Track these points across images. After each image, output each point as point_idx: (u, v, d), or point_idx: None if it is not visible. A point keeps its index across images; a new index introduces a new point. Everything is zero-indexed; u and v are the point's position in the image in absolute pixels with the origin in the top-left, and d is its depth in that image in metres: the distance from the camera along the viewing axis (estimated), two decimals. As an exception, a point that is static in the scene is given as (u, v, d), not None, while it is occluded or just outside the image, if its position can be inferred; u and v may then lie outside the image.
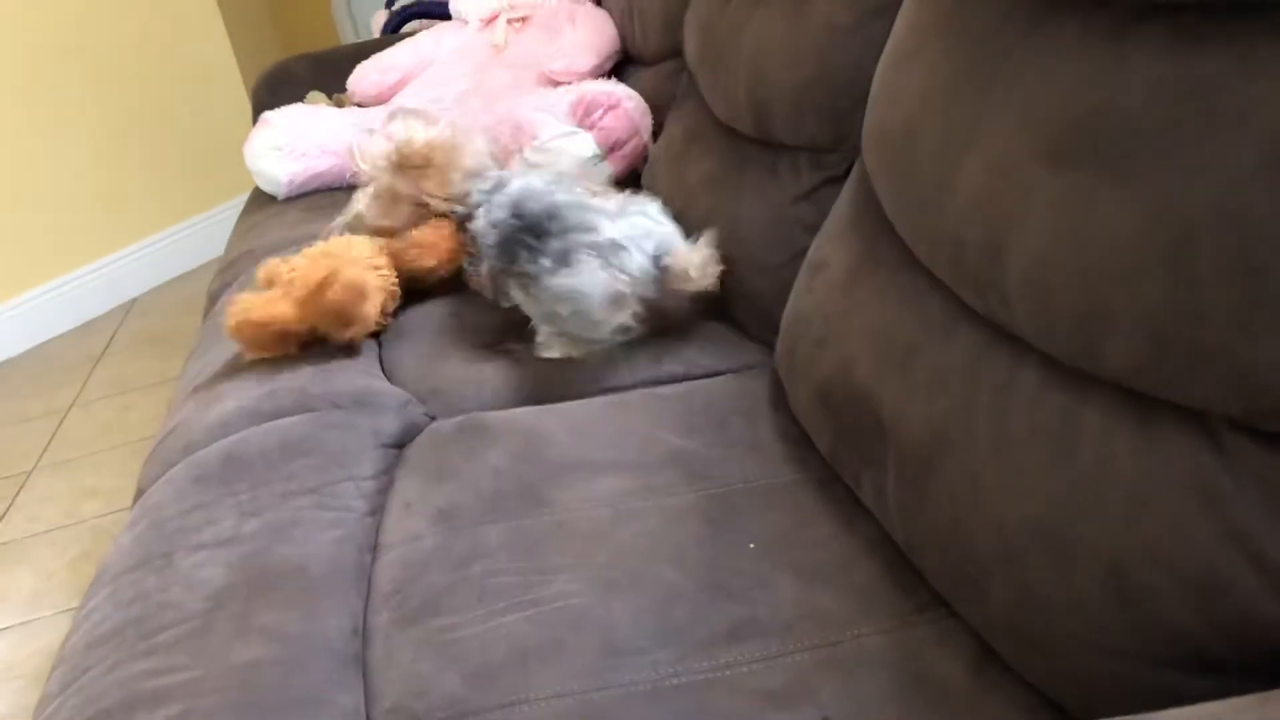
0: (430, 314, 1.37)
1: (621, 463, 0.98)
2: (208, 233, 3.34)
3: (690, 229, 1.33)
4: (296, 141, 1.85)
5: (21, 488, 2.27)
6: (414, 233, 1.41)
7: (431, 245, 1.39)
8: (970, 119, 0.80)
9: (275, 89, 2.24)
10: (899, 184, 0.89)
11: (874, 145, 0.94)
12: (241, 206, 3.27)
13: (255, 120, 2.06)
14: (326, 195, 1.88)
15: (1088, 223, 0.67)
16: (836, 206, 1.05)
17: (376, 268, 1.31)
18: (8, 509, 2.19)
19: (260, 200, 1.95)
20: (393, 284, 1.34)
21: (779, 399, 1.05)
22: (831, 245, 1.01)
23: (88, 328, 3.08)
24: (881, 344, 0.87)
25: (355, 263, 1.27)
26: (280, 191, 1.90)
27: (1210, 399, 0.59)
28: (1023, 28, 0.78)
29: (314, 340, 1.25)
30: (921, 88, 0.87)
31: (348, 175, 1.89)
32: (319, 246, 1.34)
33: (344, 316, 1.22)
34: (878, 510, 0.85)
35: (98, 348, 2.91)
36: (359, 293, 1.21)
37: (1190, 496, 0.60)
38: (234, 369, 1.25)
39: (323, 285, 1.19)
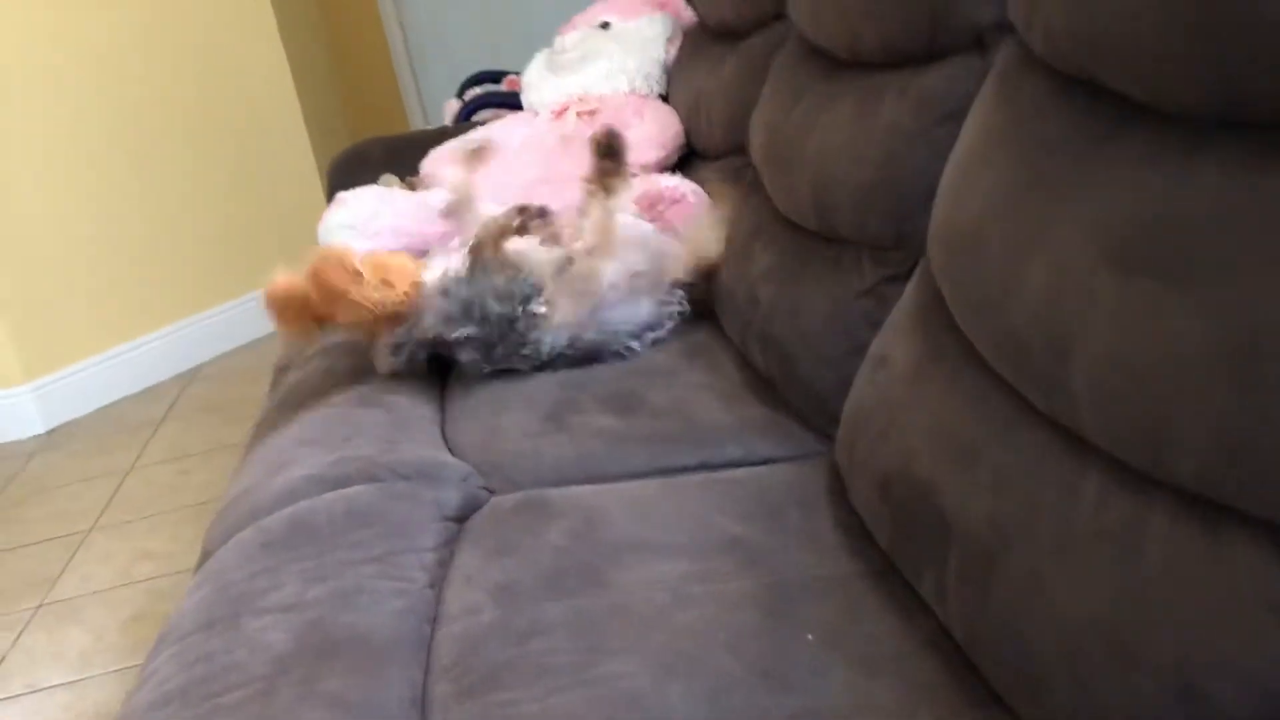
0: (489, 385, 1.40)
1: (679, 546, 0.99)
2: (273, 305, 3.41)
3: (753, 320, 1.36)
4: (369, 221, 1.91)
5: (79, 546, 2.31)
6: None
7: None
8: (1037, 223, 0.82)
9: (350, 170, 2.32)
10: (964, 283, 0.91)
11: (940, 245, 0.96)
12: (307, 281, 3.38)
13: (329, 198, 2.13)
14: (394, 274, 1.93)
15: (1153, 329, 0.68)
16: (901, 303, 1.07)
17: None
18: (65, 568, 2.23)
19: (330, 277, 2.01)
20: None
21: (837, 490, 1.06)
22: (895, 340, 1.03)
23: (151, 392, 3.15)
24: (944, 439, 0.88)
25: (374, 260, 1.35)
26: (350, 269, 1.95)
27: (1280, 509, 0.60)
28: (1093, 139, 0.81)
29: (326, 317, 1.33)
30: (989, 191, 0.90)
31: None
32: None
33: (329, 289, 1.30)
34: (937, 605, 0.86)
35: (159, 412, 2.98)
36: (342, 268, 1.30)
37: (1259, 606, 0.60)
38: (302, 439, 1.28)
39: (319, 259, 1.30)
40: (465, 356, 1.35)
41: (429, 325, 1.31)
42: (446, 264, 1.32)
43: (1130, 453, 0.70)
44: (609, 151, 1.24)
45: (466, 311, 1.29)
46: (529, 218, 1.26)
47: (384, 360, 1.32)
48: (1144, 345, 0.69)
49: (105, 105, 3.02)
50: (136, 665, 1.84)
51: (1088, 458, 0.75)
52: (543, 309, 1.34)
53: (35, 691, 1.83)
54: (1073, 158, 0.82)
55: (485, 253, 1.27)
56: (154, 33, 3.08)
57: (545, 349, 1.34)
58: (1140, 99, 0.76)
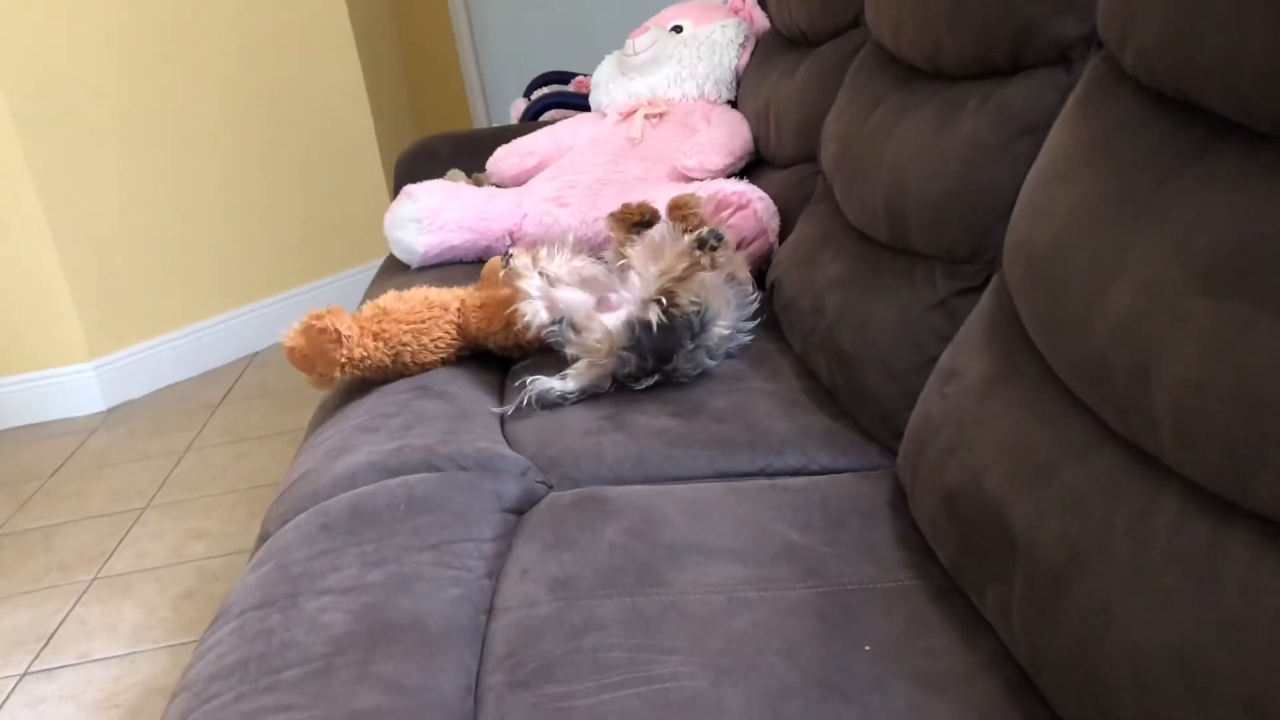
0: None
1: (737, 551, 0.99)
2: (333, 294, 3.47)
3: (818, 329, 1.35)
4: (435, 216, 1.93)
5: (134, 523, 2.35)
6: (489, 294, 1.50)
7: (495, 311, 1.48)
8: (1122, 242, 0.80)
9: (418, 164, 2.34)
10: (1042, 301, 0.89)
11: (1018, 261, 0.95)
12: (367, 273, 3.42)
13: (396, 191, 2.16)
14: (458, 267, 1.95)
15: (1244, 353, 0.67)
16: (972, 317, 1.06)
17: (378, 325, 1.44)
18: (119, 543, 2.27)
19: (394, 268, 2.03)
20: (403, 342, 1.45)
21: (899, 503, 1.05)
22: (966, 354, 1.02)
23: (210, 376, 3.21)
24: (1016, 457, 0.87)
25: (347, 316, 1.43)
26: (414, 261, 1.97)
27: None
28: (1182, 157, 0.79)
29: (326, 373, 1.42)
30: (1072, 208, 0.88)
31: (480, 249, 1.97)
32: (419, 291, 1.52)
33: (315, 349, 1.40)
34: (1000, 626, 0.84)
35: (217, 396, 3.03)
36: (325, 330, 1.39)
37: (1345, 638, 0.58)
38: (362, 426, 1.29)
39: (309, 325, 1.40)
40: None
41: (610, 372, 1.33)
42: (619, 317, 1.32)
43: (1211, 477, 0.69)
44: (706, 246, 1.26)
45: (660, 357, 1.31)
46: (709, 248, 1.25)
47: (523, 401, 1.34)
48: (1232, 368, 0.67)
49: (181, 92, 3.08)
50: (186, 642, 1.87)
51: (1166, 481, 0.73)
52: (726, 330, 1.36)
53: (88, 662, 1.86)
54: (1161, 175, 0.80)
55: (680, 300, 1.27)
56: (233, 25, 3.15)
57: (705, 364, 1.35)
58: (1234, 117, 0.75)
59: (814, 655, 0.84)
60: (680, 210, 1.52)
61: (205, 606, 1.99)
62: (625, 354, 1.29)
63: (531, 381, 1.32)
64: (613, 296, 1.35)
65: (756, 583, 0.93)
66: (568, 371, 1.33)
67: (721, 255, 1.25)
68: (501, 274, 1.37)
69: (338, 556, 0.98)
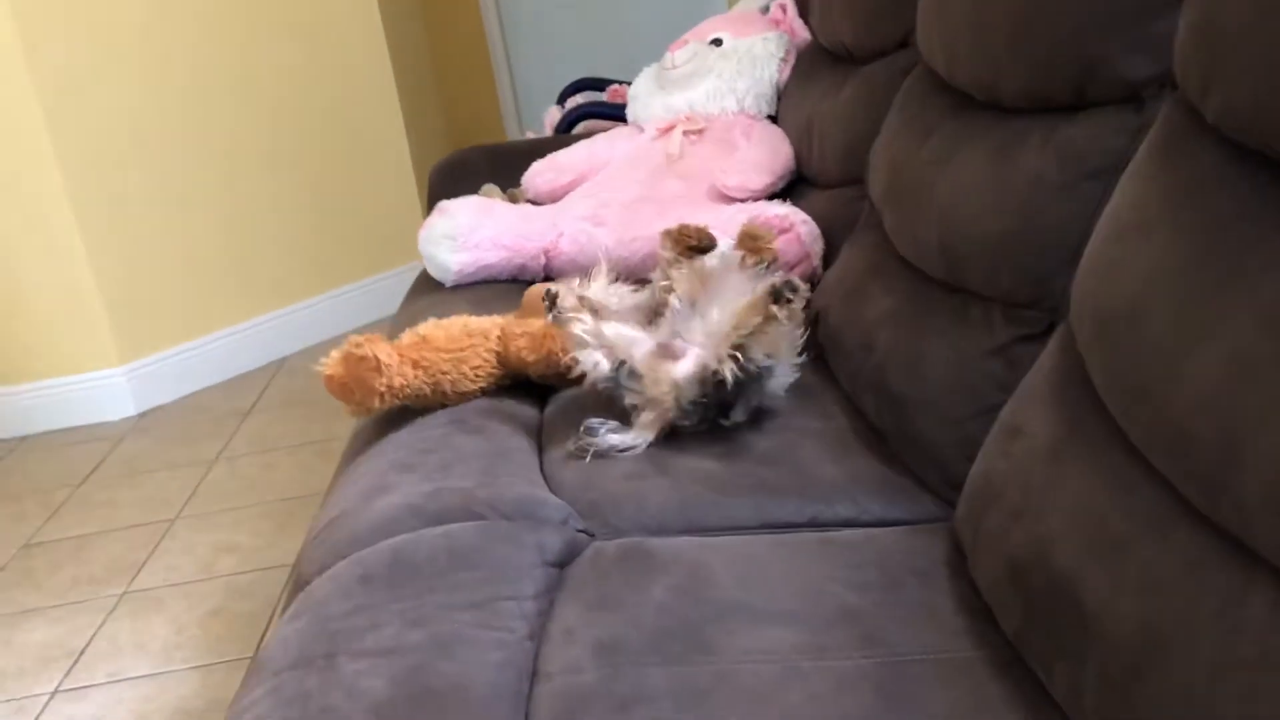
0: (580, 418, 1.36)
1: (789, 613, 0.95)
2: (363, 299, 3.46)
3: (866, 367, 1.31)
4: (470, 233, 1.89)
5: (164, 535, 2.34)
6: (529, 322, 1.46)
7: (538, 340, 1.44)
8: (1208, 308, 0.76)
9: (452, 177, 2.31)
10: (1117, 364, 0.85)
11: (1088, 319, 0.91)
12: (397, 278, 3.40)
13: (430, 206, 2.13)
14: (492, 286, 1.92)
15: (1347, 439, 0.62)
16: (1036, 370, 1.01)
17: (418, 353, 1.41)
18: (149, 556, 2.26)
19: (426, 285, 2.00)
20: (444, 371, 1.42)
21: (958, 563, 1.01)
22: (1030, 411, 0.98)
23: (239, 381, 3.20)
24: (1087, 529, 0.82)
25: (385, 345, 1.40)
26: (448, 279, 1.94)
27: None
28: (1271, 221, 0.74)
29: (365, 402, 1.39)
30: (1149, 268, 0.84)
31: (519, 268, 1.94)
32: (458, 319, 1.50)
33: (355, 379, 1.37)
34: (1069, 707, 0.80)
35: (246, 403, 3.02)
36: (365, 359, 1.36)
37: None
38: (398, 462, 1.26)
39: (349, 353, 1.37)
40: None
41: (670, 422, 1.28)
42: (687, 368, 1.27)
43: (1310, 573, 0.64)
44: (781, 300, 1.20)
45: (722, 409, 1.27)
46: (785, 301, 1.20)
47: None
48: (1334, 456, 0.63)
49: (211, 100, 3.07)
50: (215, 663, 1.86)
51: (1257, 570, 0.69)
52: (789, 380, 1.33)
53: (118, 681, 1.85)
54: (1249, 238, 0.76)
55: (753, 355, 1.22)
56: (263, 30, 3.13)
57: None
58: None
59: (874, 735, 0.81)
60: (753, 242, 1.45)
61: (233, 625, 1.97)
62: (691, 407, 1.25)
63: (597, 432, 1.26)
64: (677, 344, 1.29)
65: (811, 651, 0.90)
66: (636, 425, 1.28)
67: (797, 306, 1.19)
68: (549, 318, 1.32)
69: (376, 613, 0.95)
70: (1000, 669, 0.88)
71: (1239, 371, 0.72)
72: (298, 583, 1.12)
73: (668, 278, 1.41)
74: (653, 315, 1.42)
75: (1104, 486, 0.83)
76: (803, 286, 1.19)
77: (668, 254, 1.44)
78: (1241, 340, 0.72)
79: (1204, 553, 0.73)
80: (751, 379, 1.23)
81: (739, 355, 1.21)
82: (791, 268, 1.66)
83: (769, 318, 1.20)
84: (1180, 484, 0.76)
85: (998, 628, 0.92)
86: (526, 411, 1.45)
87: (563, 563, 1.07)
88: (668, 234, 1.45)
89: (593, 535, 1.14)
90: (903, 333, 1.27)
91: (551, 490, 1.21)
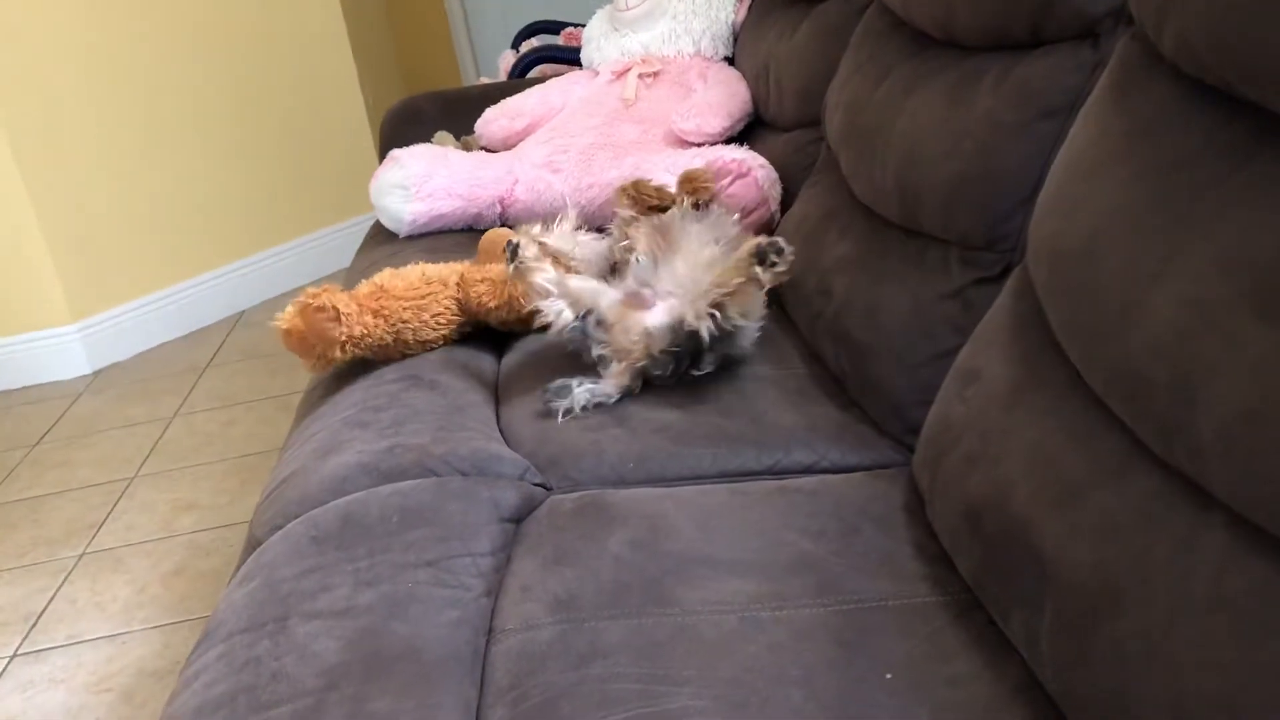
0: (537, 370, 1.34)
1: (748, 563, 0.94)
2: (319, 250, 3.41)
3: (825, 313, 1.30)
4: (423, 183, 1.86)
5: (122, 494, 2.30)
6: (488, 268, 1.44)
7: (499, 286, 1.43)
8: (1164, 248, 0.75)
9: (403, 125, 2.26)
10: (1073, 306, 0.84)
11: (1044, 260, 0.89)
12: (353, 228, 3.34)
13: (382, 154, 2.08)
14: (447, 236, 1.89)
15: (1303, 383, 0.62)
16: (993, 313, 1.00)
17: (377, 302, 1.39)
18: (107, 515, 2.22)
19: (381, 236, 1.96)
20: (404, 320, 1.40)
21: (915, 507, 1.00)
22: (987, 355, 0.97)
23: (196, 336, 3.15)
24: (1044, 474, 0.82)
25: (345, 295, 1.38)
26: (402, 229, 1.91)
27: None
28: (1228, 159, 0.73)
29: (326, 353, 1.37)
30: (1106, 207, 0.82)
31: (470, 217, 1.90)
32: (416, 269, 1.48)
33: (313, 330, 1.34)
34: (1028, 653, 0.80)
35: (204, 358, 2.97)
36: (323, 310, 1.34)
37: None
38: (352, 420, 1.24)
39: (305, 305, 1.34)
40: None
41: (641, 373, 1.25)
42: (659, 317, 1.24)
43: (1263, 514, 0.64)
44: (766, 262, 1.15)
45: (692, 360, 1.24)
46: (770, 264, 1.15)
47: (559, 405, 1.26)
48: (1290, 400, 0.62)
49: (160, 51, 2.99)
50: (176, 621, 1.84)
51: (1211, 513, 0.68)
52: (757, 334, 1.31)
53: (78, 643, 1.83)
54: (1206, 177, 0.74)
55: (730, 312, 1.19)
56: (207, -28, 3.03)
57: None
58: (1283, 113, 0.69)
59: (832, 685, 0.80)
60: (691, 184, 1.43)
61: (196, 583, 1.95)
62: (662, 356, 1.22)
63: (573, 389, 1.23)
64: (645, 293, 1.27)
65: (769, 600, 0.89)
66: (606, 375, 1.25)
67: (781, 268, 1.16)
68: (510, 270, 1.29)
69: (328, 574, 0.94)
70: (958, 614, 0.88)
71: (1194, 315, 0.71)
72: (250, 543, 1.10)
73: (626, 237, 1.38)
74: (612, 268, 1.40)
75: (1060, 430, 0.83)
76: (788, 249, 1.15)
77: (625, 213, 1.41)
78: (1195, 284, 0.71)
79: (1159, 497, 0.73)
80: (726, 336, 1.21)
81: (716, 313, 1.18)
82: (749, 213, 1.64)
83: (751, 279, 1.17)
84: (1136, 427, 0.76)
85: (956, 573, 0.92)
86: (484, 363, 1.42)
87: (519, 518, 1.06)
88: (624, 192, 1.42)
89: (550, 489, 1.13)
90: (860, 278, 1.26)
91: (509, 444, 1.20)
